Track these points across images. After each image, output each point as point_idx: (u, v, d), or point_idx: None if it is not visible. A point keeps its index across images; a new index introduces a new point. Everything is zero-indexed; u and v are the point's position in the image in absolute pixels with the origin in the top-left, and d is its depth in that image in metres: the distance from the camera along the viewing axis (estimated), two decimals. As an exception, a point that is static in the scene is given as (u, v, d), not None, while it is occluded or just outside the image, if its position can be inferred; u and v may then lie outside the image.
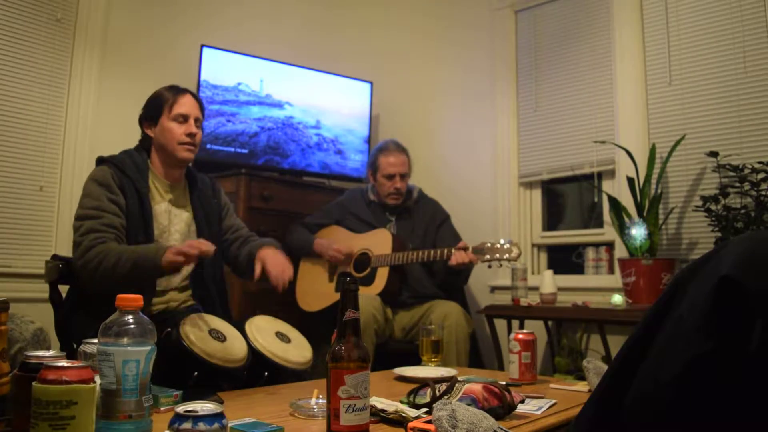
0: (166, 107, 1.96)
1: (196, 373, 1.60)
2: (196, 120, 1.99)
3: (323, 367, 1.14)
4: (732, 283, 0.71)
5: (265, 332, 1.83)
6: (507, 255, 2.42)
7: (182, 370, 1.59)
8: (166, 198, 2.00)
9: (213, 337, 1.68)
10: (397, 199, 2.89)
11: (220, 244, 2.11)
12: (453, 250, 2.52)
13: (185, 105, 1.97)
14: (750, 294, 0.70)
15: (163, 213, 1.97)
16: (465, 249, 2.50)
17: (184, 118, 1.96)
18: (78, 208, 1.86)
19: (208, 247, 1.71)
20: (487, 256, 2.45)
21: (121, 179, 1.88)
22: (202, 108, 2.04)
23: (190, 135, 1.95)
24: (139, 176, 1.92)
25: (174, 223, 1.99)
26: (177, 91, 1.99)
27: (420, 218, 2.92)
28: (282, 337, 1.86)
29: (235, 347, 1.71)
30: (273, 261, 1.97)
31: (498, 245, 2.45)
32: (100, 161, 1.96)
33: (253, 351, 1.75)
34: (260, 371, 1.75)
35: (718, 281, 0.72)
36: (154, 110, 1.98)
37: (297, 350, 1.84)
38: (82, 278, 1.79)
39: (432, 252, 2.58)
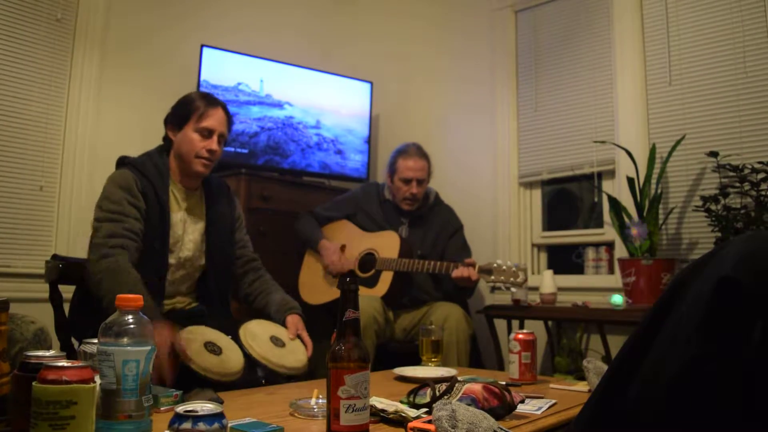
0: (194, 116, 1.92)
1: (195, 389, 1.60)
2: (221, 136, 1.96)
3: (324, 366, 1.14)
4: (732, 283, 0.71)
5: (260, 338, 1.83)
6: (512, 278, 2.40)
7: (179, 380, 1.58)
8: (183, 207, 1.98)
9: (209, 351, 1.68)
10: (411, 205, 2.85)
11: (230, 254, 2.12)
12: (459, 266, 2.50)
13: (213, 119, 1.93)
14: (750, 294, 0.70)
15: (179, 222, 1.95)
16: (472, 266, 2.48)
17: (209, 133, 1.93)
18: (97, 210, 1.83)
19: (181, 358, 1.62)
20: (493, 278, 2.44)
21: (143, 184, 1.86)
22: (230, 123, 2.01)
23: (210, 151, 1.93)
24: (161, 182, 1.90)
25: (188, 233, 1.98)
26: (209, 102, 1.95)
27: (433, 226, 2.88)
28: (276, 341, 1.86)
29: (231, 360, 1.71)
30: (306, 335, 1.96)
31: (505, 267, 2.43)
32: (121, 163, 1.94)
33: (248, 357, 1.75)
34: (257, 378, 1.76)
35: (718, 282, 0.72)
36: (181, 116, 1.94)
37: (292, 355, 1.84)
38: (88, 278, 1.78)
39: (438, 264, 2.57)
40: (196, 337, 1.71)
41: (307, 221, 2.98)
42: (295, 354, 1.86)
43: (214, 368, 1.64)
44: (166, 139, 2.00)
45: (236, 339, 1.81)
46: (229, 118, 2.00)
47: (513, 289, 2.53)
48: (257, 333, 1.86)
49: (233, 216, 2.13)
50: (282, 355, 1.81)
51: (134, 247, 1.79)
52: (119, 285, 1.67)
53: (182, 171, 1.97)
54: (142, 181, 1.86)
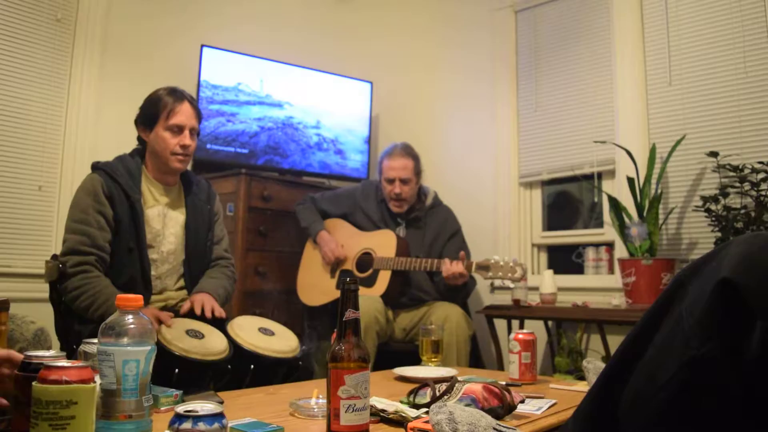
0: (162, 115, 1.94)
1: (177, 370, 1.60)
2: (192, 130, 1.98)
3: (323, 366, 1.14)
4: (732, 284, 0.71)
5: (247, 329, 1.85)
6: (510, 274, 2.41)
7: (163, 371, 1.59)
8: (162, 201, 2.00)
9: (190, 336, 1.70)
10: (399, 206, 2.82)
11: (206, 246, 2.12)
12: (450, 261, 2.50)
13: (182, 115, 1.95)
14: (749, 296, 0.70)
15: (157, 217, 1.97)
16: (462, 260, 2.48)
17: (179, 129, 1.95)
18: (67, 218, 1.88)
19: (166, 320, 1.72)
20: (490, 274, 2.44)
21: (110, 187, 1.88)
22: (199, 116, 2.03)
23: (184, 147, 1.95)
24: (131, 182, 1.92)
25: (168, 227, 1.99)
26: (176, 98, 1.97)
27: (430, 228, 2.84)
28: (265, 331, 1.87)
29: (213, 342, 1.72)
30: (198, 300, 1.92)
31: (502, 263, 2.43)
32: (93, 168, 1.96)
33: (236, 347, 1.76)
34: (246, 366, 1.76)
35: (718, 283, 0.72)
36: (150, 116, 1.97)
37: (281, 341, 1.86)
38: (64, 293, 1.83)
39: (431, 262, 2.57)
40: (178, 325, 1.73)
41: (309, 209, 2.97)
42: (285, 340, 1.88)
43: (195, 349, 1.65)
44: (139, 140, 2.03)
45: (224, 332, 1.81)
46: (197, 111, 2.02)
47: (512, 285, 2.53)
48: (244, 325, 1.87)
49: (212, 211, 2.15)
50: (270, 342, 1.82)
51: (96, 261, 1.82)
52: (87, 305, 1.76)
53: (159, 169, 2.00)
54: (109, 183, 1.88)
